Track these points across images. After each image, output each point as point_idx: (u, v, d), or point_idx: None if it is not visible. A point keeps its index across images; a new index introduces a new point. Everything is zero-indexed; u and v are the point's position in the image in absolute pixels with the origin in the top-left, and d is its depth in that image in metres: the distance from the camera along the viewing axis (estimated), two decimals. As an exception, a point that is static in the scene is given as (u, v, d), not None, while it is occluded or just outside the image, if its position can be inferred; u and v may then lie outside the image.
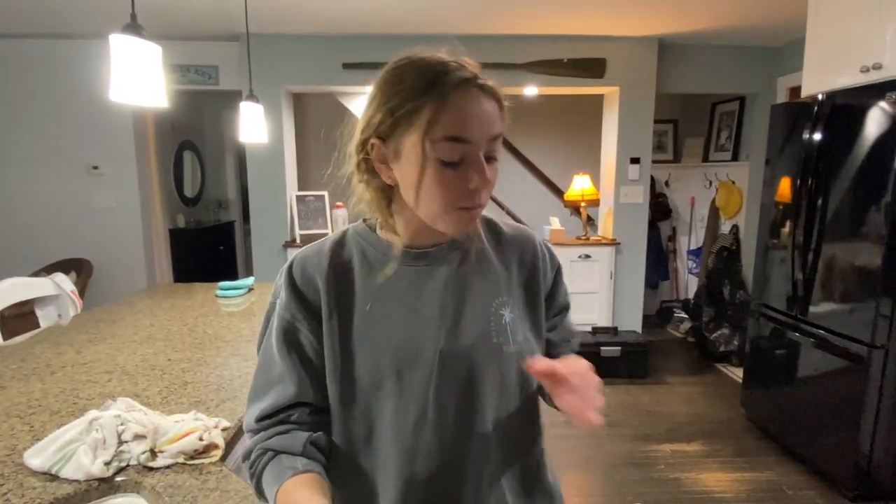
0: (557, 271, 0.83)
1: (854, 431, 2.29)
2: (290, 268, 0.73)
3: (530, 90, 3.85)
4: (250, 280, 2.39)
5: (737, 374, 3.73)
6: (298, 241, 3.79)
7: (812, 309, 2.55)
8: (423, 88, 0.62)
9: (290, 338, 0.72)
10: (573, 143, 4.94)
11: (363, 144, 0.68)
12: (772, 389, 2.89)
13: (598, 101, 4.10)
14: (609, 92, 3.89)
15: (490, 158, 0.66)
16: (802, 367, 2.62)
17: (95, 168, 3.82)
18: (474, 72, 0.65)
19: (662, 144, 5.08)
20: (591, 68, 3.68)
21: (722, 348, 4.02)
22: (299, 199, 3.87)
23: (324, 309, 0.71)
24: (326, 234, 3.46)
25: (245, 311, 2.07)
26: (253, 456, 0.71)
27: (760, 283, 2.97)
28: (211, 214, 5.73)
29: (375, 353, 0.70)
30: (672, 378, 3.78)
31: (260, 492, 0.70)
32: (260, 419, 0.72)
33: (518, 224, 0.85)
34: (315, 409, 0.72)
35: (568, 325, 0.87)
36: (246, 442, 0.74)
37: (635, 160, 3.85)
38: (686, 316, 4.68)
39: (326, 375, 0.71)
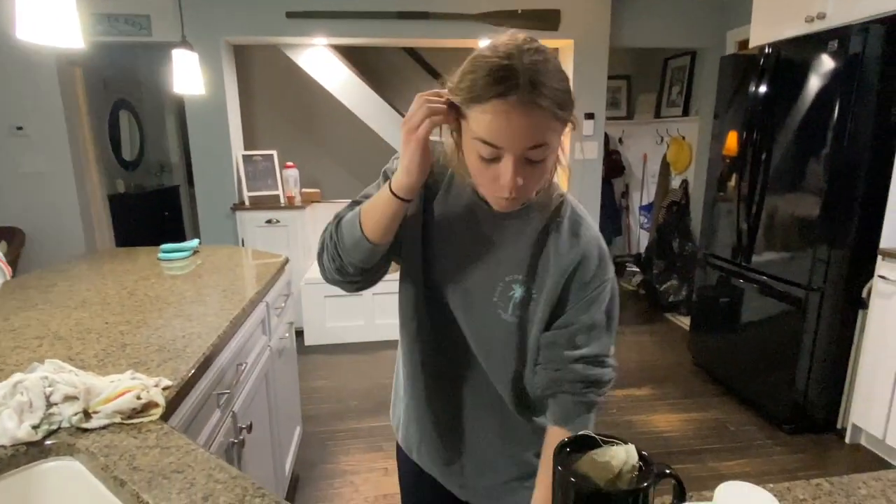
0: (589, 289, 0.81)
1: (792, 370, 2.43)
2: None
3: (483, 42, 3.73)
4: (195, 242, 2.28)
5: (685, 322, 3.88)
6: (247, 203, 3.65)
7: (755, 257, 2.65)
8: (477, 90, 0.68)
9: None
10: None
11: None
12: (717, 335, 3.03)
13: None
14: (564, 45, 3.84)
15: (531, 161, 0.70)
16: (746, 313, 2.75)
17: (20, 129, 3.53)
18: (535, 81, 0.66)
19: (616, 101, 5.11)
20: (546, 19, 3.62)
21: (671, 298, 4.17)
22: (246, 158, 3.70)
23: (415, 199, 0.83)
24: (278, 196, 3.27)
25: (190, 273, 1.97)
26: (332, 224, 0.87)
27: (708, 235, 3.06)
28: (153, 178, 5.45)
29: (428, 260, 0.88)
30: (624, 328, 3.90)
31: (340, 245, 0.84)
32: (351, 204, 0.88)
33: (589, 233, 0.83)
34: None
35: (571, 355, 0.83)
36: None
37: (590, 115, 3.85)
38: (638, 270, 4.82)
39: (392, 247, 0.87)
